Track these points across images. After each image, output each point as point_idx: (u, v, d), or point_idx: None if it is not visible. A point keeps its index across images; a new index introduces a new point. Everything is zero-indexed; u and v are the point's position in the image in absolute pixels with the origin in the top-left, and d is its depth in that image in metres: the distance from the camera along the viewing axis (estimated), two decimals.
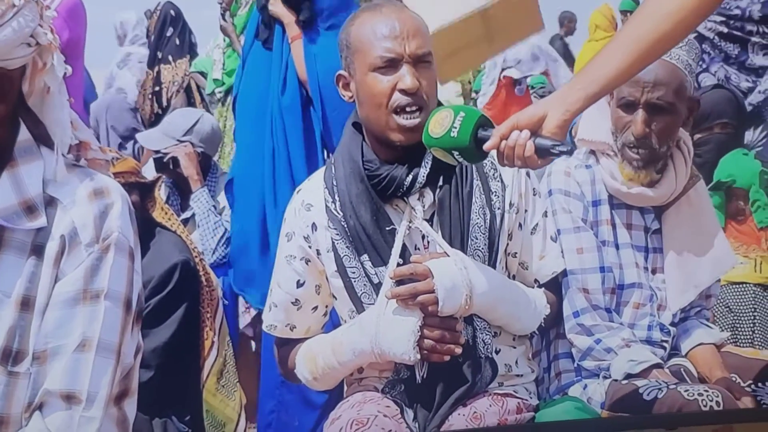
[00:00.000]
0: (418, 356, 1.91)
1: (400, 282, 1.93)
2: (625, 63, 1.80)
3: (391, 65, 1.95)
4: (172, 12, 6.31)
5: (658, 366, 2.20)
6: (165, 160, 3.57)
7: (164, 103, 6.10)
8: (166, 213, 2.29)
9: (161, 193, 3.63)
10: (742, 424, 2.05)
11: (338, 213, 2.02)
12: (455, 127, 1.82)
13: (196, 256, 2.31)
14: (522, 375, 2.11)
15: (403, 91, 1.93)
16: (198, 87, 6.05)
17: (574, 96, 1.79)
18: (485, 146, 1.82)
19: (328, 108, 3.16)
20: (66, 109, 1.59)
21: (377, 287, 1.99)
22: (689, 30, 1.90)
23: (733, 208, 3.41)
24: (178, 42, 6.23)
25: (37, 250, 1.53)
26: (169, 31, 6.24)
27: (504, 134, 1.79)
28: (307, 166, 3.16)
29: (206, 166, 3.64)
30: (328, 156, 3.16)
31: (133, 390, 1.63)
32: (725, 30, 4.06)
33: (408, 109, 1.94)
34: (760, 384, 2.24)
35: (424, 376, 1.98)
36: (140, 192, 2.38)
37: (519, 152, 1.77)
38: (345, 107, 3.07)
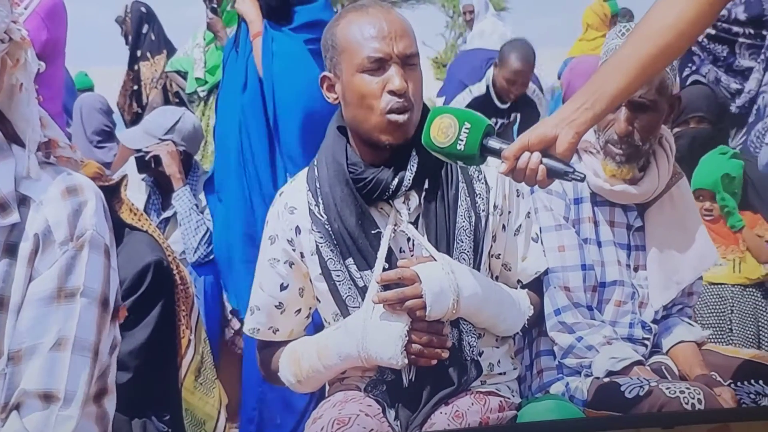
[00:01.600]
0: (406, 361, 1.91)
1: (386, 286, 1.93)
2: (629, 79, 1.82)
3: (379, 66, 1.93)
4: (143, 9, 6.32)
5: (639, 363, 2.20)
6: (147, 158, 3.56)
7: (144, 101, 6.09)
8: (135, 214, 2.27)
9: (143, 192, 3.63)
10: (738, 423, 2.05)
11: (322, 216, 2.00)
12: (461, 140, 1.82)
13: (169, 254, 2.30)
14: (504, 373, 2.10)
15: (392, 93, 1.92)
16: (173, 85, 6.04)
17: (582, 117, 1.80)
18: (501, 171, 1.83)
19: (280, 108, 3.17)
20: (35, 107, 1.57)
21: (362, 291, 1.98)
22: (690, 42, 1.92)
23: (698, 207, 3.43)
24: (153, 37, 6.23)
25: (11, 250, 1.51)
26: (145, 28, 6.25)
27: (516, 155, 1.80)
28: (270, 165, 3.18)
29: (188, 164, 3.64)
30: (281, 156, 3.16)
31: (112, 388, 1.62)
32: (713, 32, 4.08)
33: (397, 109, 1.93)
34: (739, 383, 2.25)
35: (412, 379, 1.98)
36: (106, 194, 2.35)
37: (531, 175, 1.79)
38: (299, 108, 3.11)
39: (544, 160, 1.79)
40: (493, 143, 1.83)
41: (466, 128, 1.82)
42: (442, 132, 1.84)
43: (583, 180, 1.81)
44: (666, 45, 1.81)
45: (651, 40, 1.81)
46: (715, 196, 3.45)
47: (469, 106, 4.81)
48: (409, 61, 1.95)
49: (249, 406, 3.21)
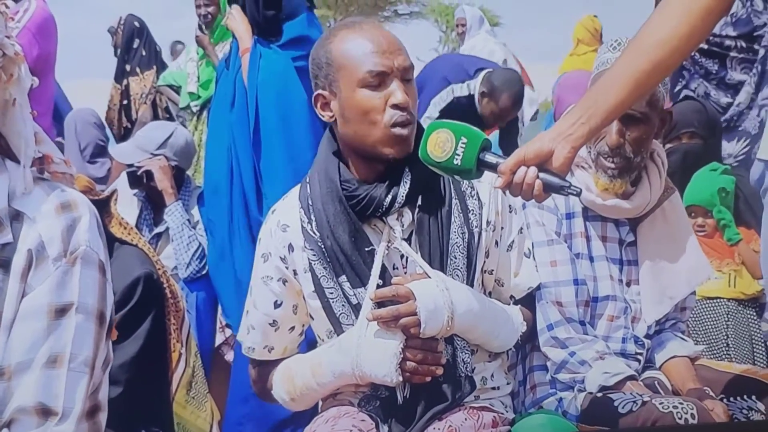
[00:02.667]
0: (400, 378, 1.90)
1: (380, 304, 1.92)
2: (623, 94, 1.83)
3: (380, 80, 1.93)
4: (136, 23, 6.33)
5: (632, 378, 2.20)
6: (139, 173, 3.55)
7: (133, 116, 6.08)
8: (124, 227, 2.26)
9: (134, 207, 3.63)
10: None
11: (315, 233, 1.99)
12: (458, 155, 1.82)
13: (159, 268, 2.29)
14: (498, 388, 2.10)
15: (396, 106, 1.92)
16: (164, 99, 6.04)
17: (578, 132, 1.80)
18: (497, 186, 1.84)
19: (261, 123, 3.18)
20: (29, 122, 1.57)
21: (356, 308, 1.97)
22: (684, 57, 1.94)
23: (691, 223, 3.44)
24: (144, 53, 6.24)
25: (3, 265, 1.50)
26: (136, 43, 6.25)
27: (512, 169, 1.81)
28: (256, 184, 3.19)
29: (180, 179, 3.64)
30: (259, 167, 3.17)
31: (104, 405, 1.61)
32: (704, 46, 4.11)
33: (400, 121, 1.93)
34: (732, 398, 2.25)
35: (407, 396, 1.97)
36: (96, 209, 2.35)
37: (527, 189, 1.79)
38: (280, 125, 3.12)
39: (541, 174, 1.79)
40: (490, 158, 1.84)
41: (463, 143, 1.83)
42: (438, 146, 1.84)
43: (579, 194, 1.82)
44: (660, 60, 1.82)
45: (645, 55, 1.82)
46: (708, 212, 3.46)
47: (449, 105, 4.80)
48: (406, 75, 1.96)
49: (234, 422, 3.20)
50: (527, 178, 1.79)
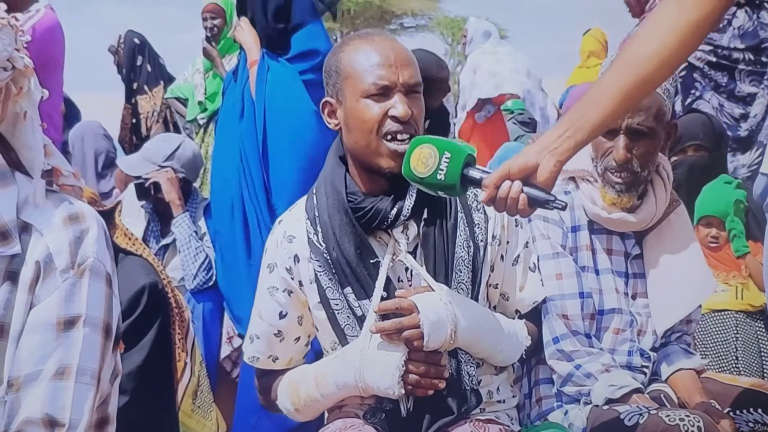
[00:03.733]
0: (403, 391, 1.90)
1: (384, 316, 1.92)
2: (611, 107, 1.81)
3: (384, 93, 1.93)
4: (136, 40, 6.30)
5: (638, 391, 2.19)
6: (146, 185, 3.57)
7: (144, 134, 6.08)
8: (129, 238, 2.27)
9: (142, 219, 3.64)
10: None
11: (321, 245, 2.00)
12: (441, 170, 1.81)
13: (164, 278, 2.30)
14: (504, 401, 2.10)
15: (395, 118, 1.92)
16: (173, 113, 6.04)
17: (564, 145, 1.79)
18: (481, 200, 1.83)
19: (269, 136, 3.18)
20: (39, 134, 1.58)
21: (360, 320, 1.98)
22: (672, 70, 1.92)
23: (704, 234, 3.43)
24: (150, 69, 6.22)
25: (12, 277, 1.51)
26: (139, 60, 6.23)
27: (496, 184, 1.79)
28: (265, 193, 3.19)
29: (187, 191, 3.65)
30: (268, 179, 3.17)
31: (112, 417, 1.62)
32: (714, 59, 4.12)
33: (399, 136, 1.93)
34: (738, 411, 2.25)
35: (410, 409, 1.97)
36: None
37: (512, 204, 1.78)
38: (287, 137, 3.13)
39: (525, 188, 1.78)
40: (474, 172, 1.82)
41: (446, 158, 1.81)
42: (422, 162, 1.83)
43: (564, 209, 1.80)
44: (648, 74, 1.81)
45: (633, 68, 1.81)
46: (723, 223, 3.44)
47: None
48: (413, 90, 1.96)
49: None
50: (512, 192, 1.77)
